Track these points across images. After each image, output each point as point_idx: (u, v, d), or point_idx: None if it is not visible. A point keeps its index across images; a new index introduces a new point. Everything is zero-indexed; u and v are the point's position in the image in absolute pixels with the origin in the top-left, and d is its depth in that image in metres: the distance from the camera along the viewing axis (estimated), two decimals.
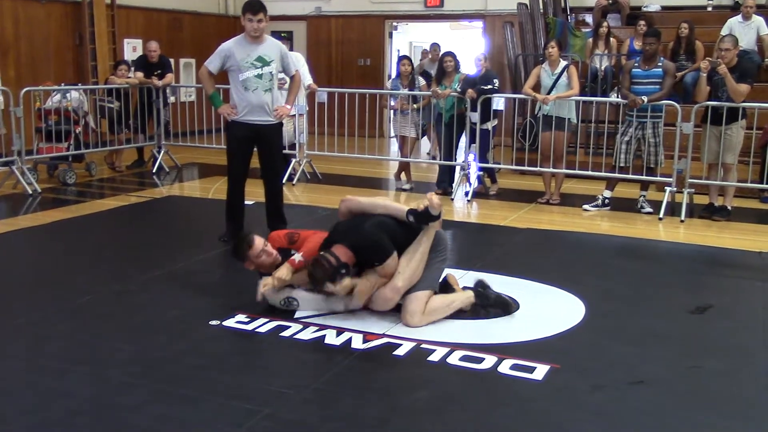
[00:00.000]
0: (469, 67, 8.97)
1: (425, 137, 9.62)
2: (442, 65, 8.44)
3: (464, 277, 4.95)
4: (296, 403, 3.23)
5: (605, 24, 10.18)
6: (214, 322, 4.16)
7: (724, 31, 9.42)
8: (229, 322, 4.16)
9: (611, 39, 10.17)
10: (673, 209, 7.45)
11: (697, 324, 4.39)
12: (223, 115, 5.93)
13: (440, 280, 4.43)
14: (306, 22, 14.47)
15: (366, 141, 9.99)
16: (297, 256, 4.25)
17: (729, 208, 7.32)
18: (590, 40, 10.28)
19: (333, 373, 3.56)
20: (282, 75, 6.19)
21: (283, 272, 4.23)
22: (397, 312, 4.27)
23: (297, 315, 4.26)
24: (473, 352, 3.78)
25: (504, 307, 4.40)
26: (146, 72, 9.66)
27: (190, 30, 13.66)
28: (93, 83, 11.12)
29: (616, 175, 7.64)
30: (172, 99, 10.43)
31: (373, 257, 4.11)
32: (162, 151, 9.81)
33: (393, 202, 4.53)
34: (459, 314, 4.32)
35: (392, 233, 4.18)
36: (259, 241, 4.29)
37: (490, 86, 8.05)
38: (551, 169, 8.04)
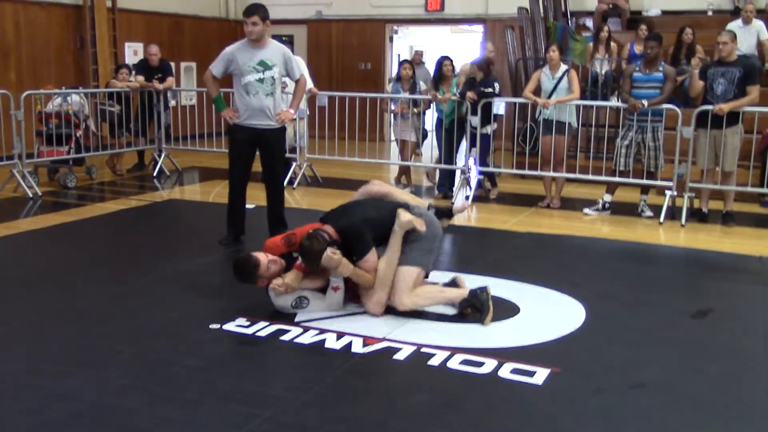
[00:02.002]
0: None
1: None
2: (441, 69, 8.44)
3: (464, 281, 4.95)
4: (296, 407, 3.23)
5: (606, 28, 10.18)
6: (214, 326, 4.16)
7: None
8: (230, 326, 4.16)
9: (612, 43, 10.17)
10: (673, 213, 7.45)
11: (697, 328, 4.39)
12: (225, 119, 5.95)
13: (431, 266, 4.52)
14: (306, 26, 14.49)
15: (366, 145, 9.99)
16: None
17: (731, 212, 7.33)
18: (591, 44, 10.29)
19: (333, 376, 3.56)
20: (284, 78, 6.19)
21: (291, 278, 4.27)
22: (397, 315, 4.28)
23: (297, 319, 4.27)
24: (473, 356, 3.78)
25: (481, 311, 4.29)
26: (147, 76, 9.67)
27: (191, 34, 13.68)
28: (94, 87, 11.13)
29: (617, 179, 7.64)
30: (172, 102, 10.44)
31: (353, 247, 4.24)
32: (163, 155, 9.82)
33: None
34: (458, 317, 4.34)
35: (377, 232, 4.31)
36: (262, 257, 4.27)
37: (490, 89, 8.06)
38: (552, 173, 8.04)
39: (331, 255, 4.10)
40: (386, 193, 4.70)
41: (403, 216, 4.30)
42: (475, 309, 4.32)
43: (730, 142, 7.09)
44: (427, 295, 4.37)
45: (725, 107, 6.95)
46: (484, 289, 4.37)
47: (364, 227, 4.29)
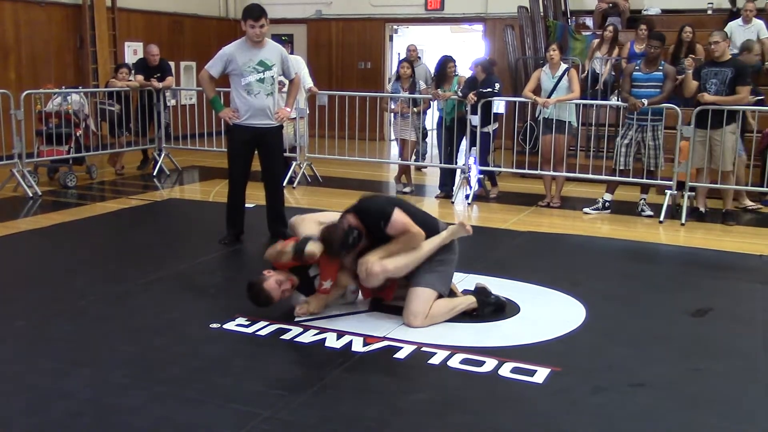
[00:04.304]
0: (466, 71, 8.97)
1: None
2: (445, 70, 8.44)
3: (464, 281, 4.95)
4: (296, 406, 3.23)
5: (610, 28, 10.13)
6: (214, 325, 4.15)
7: None
8: (230, 325, 4.16)
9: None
10: (673, 212, 7.45)
11: (697, 327, 4.39)
12: (224, 119, 5.94)
13: (447, 292, 4.40)
14: (306, 25, 14.49)
15: (366, 144, 10.00)
16: (327, 284, 4.24)
17: (730, 210, 7.34)
18: (594, 41, 10.27)
19: (333, 375, 3.56)
20: (281, 78, 6.19)
21: (315, 305, 4.29)
22: (397, 315, 4.28)
23: (298, 318, 4.27)
24: (474, 355, 3.78)
25: (500, 308, 4.42)
26: (146, 75, 9.67)
27: (191, 33, 13.68)
28: (94, 86, 11.13)
29: (617, 178, 7.64)
30: (172, 102, 10.43)
31: (376, 219, 4.11)
32: (162, 154, 9.81)
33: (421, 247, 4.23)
34: (460, 317, 4.32)
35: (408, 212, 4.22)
36: (273, 288, 4.15)
37: (490, 89, 8.05)
38: (552, 172, 8.04)
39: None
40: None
41: (460, 226, 4.27)
42: (491, 312, 4.40)
43: (727, 141, 7.10)
44: (440, 314, 4.23)
45: (708, 98, 7.00)
46: (483, 293, 4.46)
47: (382, 198, 4.29)
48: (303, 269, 4.29)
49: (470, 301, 4.40)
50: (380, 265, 4.08)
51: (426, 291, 4.19)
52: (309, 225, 4.30)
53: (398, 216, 4.10)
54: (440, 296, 4.28)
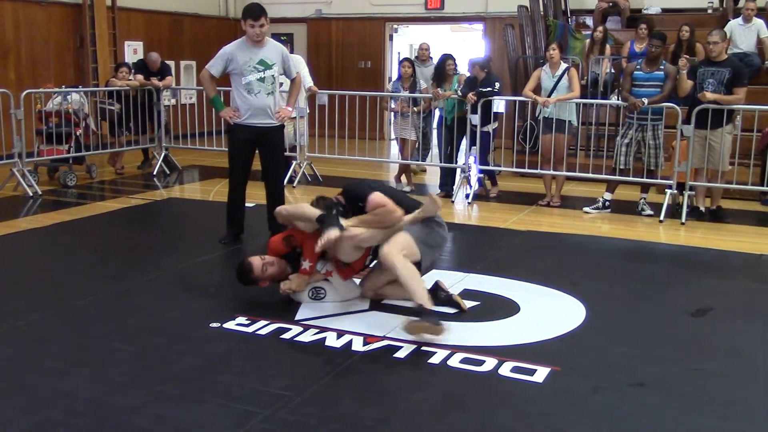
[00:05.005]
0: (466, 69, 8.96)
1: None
2: (445, 68, 8.44)
3: (464, 281, 4.96)
4: (296, 405, 3.23)
5: (600, 28, 10.16)
6: (214, 324, 4.16)
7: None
8: (230, 324, 4.16)
9: (607, 45, 10.14)
10: (673, 211, 7.45)
11: (697, 326, 4.39)
12: (224, 119, 5.94)
13: (428, 265, 4.46)
14: (306, 24, 14.49)
15: (366, 143, 10.00)
16: (306, 264, 4.38)
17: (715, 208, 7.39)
18: (586, 41, 10.28)
19: (333, 375, 3.56)
20: (282, 77, 6.19)
21: (297, 283, 4.41)
22: (398, 314, 4.28)
23: (298, 317, 4.27)
24: (474, 355, 3.78)
25: (455, 305, 4.46)
26: (146, 75, 9.67)
27: (191, 32, 13.68)
28: (93, 85, 11.13)
29: (617, 177, 7.64)
30: (172, 101, 10.42)
31: (355, 198, 4.34)
32: (163, 154, 9.81)
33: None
34: (460, 316, 4.34)
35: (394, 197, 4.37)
36: (256, 261, 4.44)
37: (490, 89, 8.05)
38: (552, 172, 8.04)
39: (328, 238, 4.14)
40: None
41: (432, 204, 4.33)
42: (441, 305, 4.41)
43: (725, 141, 7.10)
44: (410, 266, 4.16)
45: (710, 96, 7.02)
46: (436, 287, 4.52)
47: (365, 182, 4.50)
48: (295, 258, 4.47)
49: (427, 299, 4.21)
50: (348, 232, 4.22)
51: (403, 234, 4.25)
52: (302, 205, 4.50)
53: (375, 196, 4.27)
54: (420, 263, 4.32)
